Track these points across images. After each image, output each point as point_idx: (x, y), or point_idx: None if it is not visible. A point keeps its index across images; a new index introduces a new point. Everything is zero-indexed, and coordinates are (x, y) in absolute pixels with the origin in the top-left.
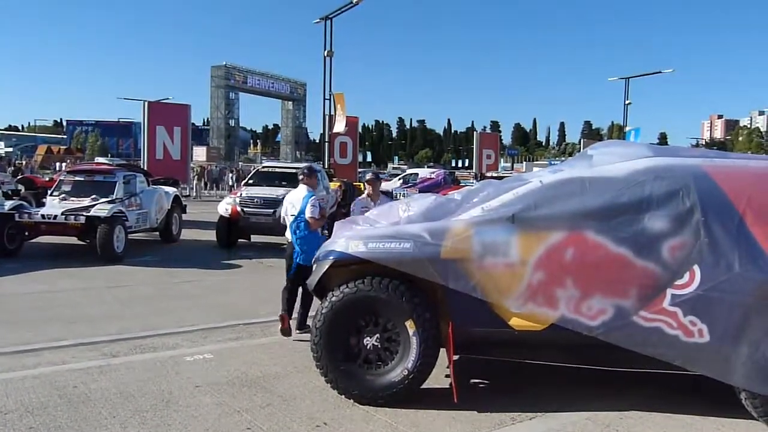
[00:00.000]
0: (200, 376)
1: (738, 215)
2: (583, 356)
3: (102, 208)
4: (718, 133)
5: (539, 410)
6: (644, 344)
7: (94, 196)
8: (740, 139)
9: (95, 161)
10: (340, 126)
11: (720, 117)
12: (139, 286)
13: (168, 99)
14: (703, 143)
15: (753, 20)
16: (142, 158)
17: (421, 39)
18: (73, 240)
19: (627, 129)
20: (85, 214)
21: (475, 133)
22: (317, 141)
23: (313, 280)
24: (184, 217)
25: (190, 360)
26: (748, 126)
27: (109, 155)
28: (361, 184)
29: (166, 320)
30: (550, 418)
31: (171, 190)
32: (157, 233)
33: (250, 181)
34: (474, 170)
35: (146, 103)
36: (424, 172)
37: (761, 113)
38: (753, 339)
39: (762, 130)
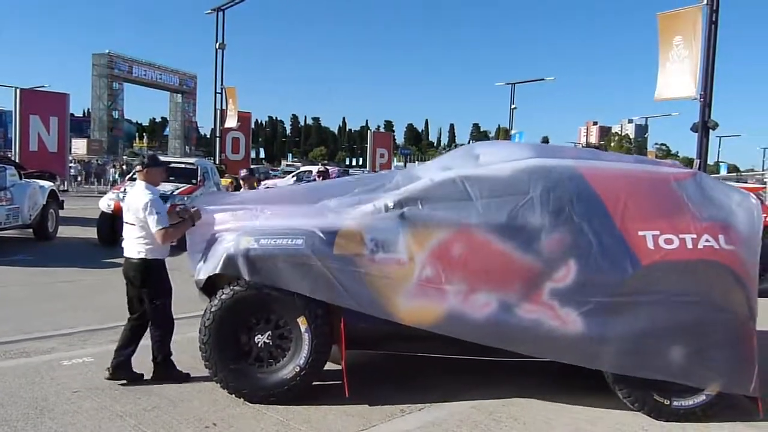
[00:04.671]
0: (79, 380)
1: (608, 214)
2: (466, 348)
3: None
4: (594, 139)
5: (427, 401)
6: (523, 338)
7: None
8: (612, 144)
9: None
10: (232, 121)
11: (595, 123)
12: (10, 287)
13: (44, 87)
14: (581, 147)
15: (625, 36)
16: (13, 150)
17: (316, 35)
18: None
19: (513, 132)
20: None
21: (369, 132)
22: (208, 136)
23: (201, 278)
24: (62, 213)
25: (67, 364)
26: (619, 133)
27: None
28: (255, 181)
29: (40, 323)
30: (437, 408)
31: (47, 184)
32: (31, 230)
33: (135, 176)
34: (367, 168)
35: (18, 90)
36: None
37: (630, 121)
38: (621, 328)
39: (631, 137)
